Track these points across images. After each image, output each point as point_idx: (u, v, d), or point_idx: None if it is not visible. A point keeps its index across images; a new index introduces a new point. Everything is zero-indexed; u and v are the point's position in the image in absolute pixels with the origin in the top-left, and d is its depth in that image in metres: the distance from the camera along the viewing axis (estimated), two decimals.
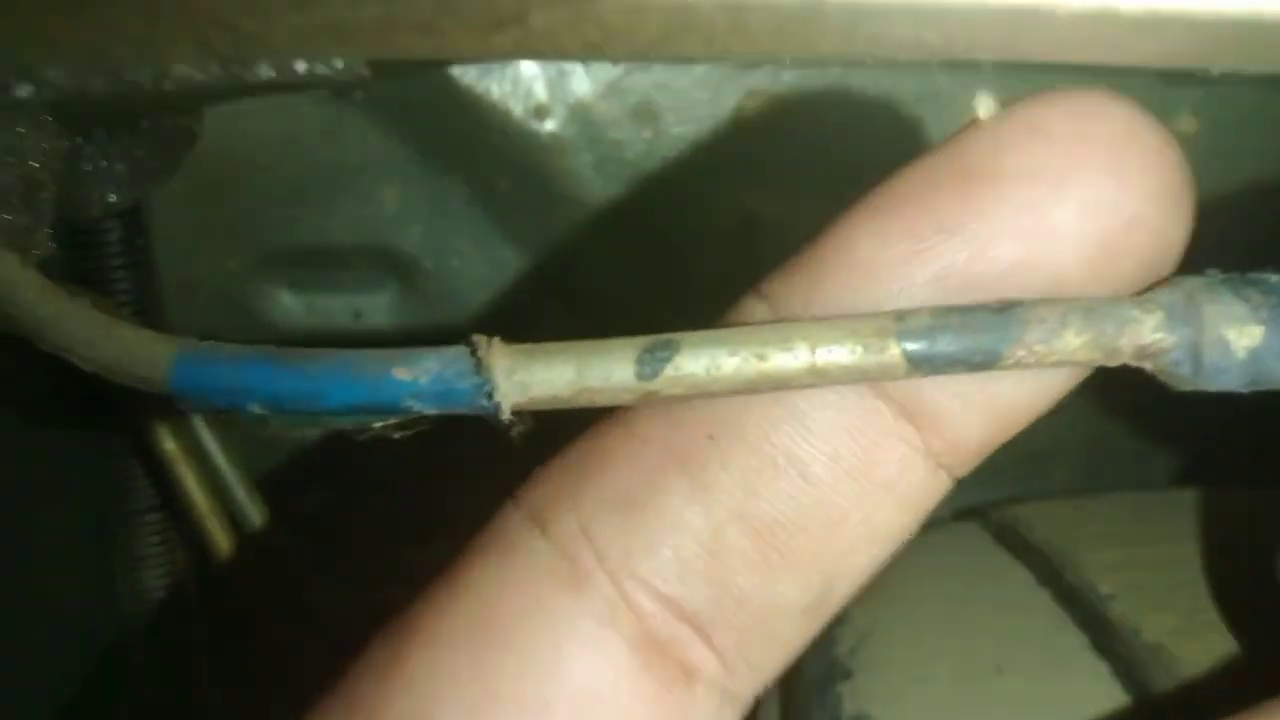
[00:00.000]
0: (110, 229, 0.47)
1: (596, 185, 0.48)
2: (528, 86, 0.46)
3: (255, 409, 0.18)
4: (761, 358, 0.16)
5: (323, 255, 0.51)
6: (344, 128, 0.48)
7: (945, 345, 0.16)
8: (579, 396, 0.17)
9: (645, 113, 0.48)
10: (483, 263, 0.52)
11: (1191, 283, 0.17)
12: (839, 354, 0.16)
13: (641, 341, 0.17)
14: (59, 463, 0.41)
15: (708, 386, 0.16)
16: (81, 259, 0.46)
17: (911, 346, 0.16)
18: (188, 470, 0.44)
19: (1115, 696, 0.42)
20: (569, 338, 0.18)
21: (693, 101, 0.47)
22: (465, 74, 0.46)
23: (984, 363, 0.16)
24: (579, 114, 0.47)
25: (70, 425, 0.42)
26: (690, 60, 0.41)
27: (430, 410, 0.17)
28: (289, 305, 0.52)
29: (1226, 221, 0.48)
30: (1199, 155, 0.48)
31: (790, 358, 0.16)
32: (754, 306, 0.19)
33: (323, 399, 0.17)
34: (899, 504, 0.20)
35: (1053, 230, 0.17)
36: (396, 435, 0.18)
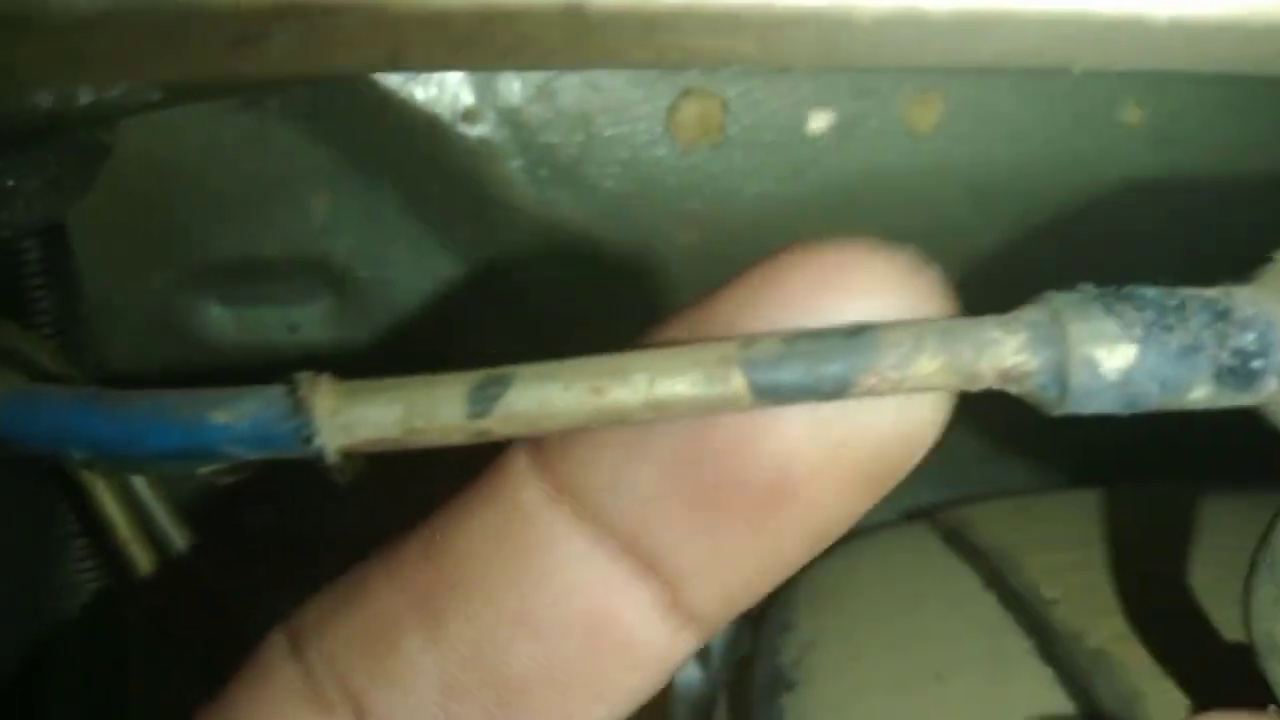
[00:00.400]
0: (28, 248, 0.45)
1: (530, 190, 0.48)
2: (454, 91, 0.45)
3: (76, 454, 0.17)
4: (597, 391, 0.15)
5: (252, 267, 0.50)
6: (267, 136, 0.47)
7: (793, 374, 0.15)
8: (409, 437, 0.15)
9: (577, 116, 0.47)
10: (419, 271, 0.51)
11: (1060, 299, 0.15)
12: (680, 386, 0.15)
13: (472, 377, 0.15)
14: None
15: (541, 423, 0.15)
16: (1, 279, 0.44)
17: (757, 376, 0.15)
18: (107, 496, 0.43)
19: (1058, 703, 0.41)
20: (510, 344, 0.17)
21: (626, 102, 0.46)
22: (388, 78, 0.45)
23: (835, 392, 0.15)
24: (509, 118, 0.46)
25: None
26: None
27: (250, 456, 0.16)
28: (221, 320, 0.51)
29: (1166, 213, 0.47)
30: (1143, 146, 0.48)
31: (628, 391, 0.15)
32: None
33: (137, 444, 0.16)
34: (635, 664, 0.19)
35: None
36: (223, 482, 0.17)
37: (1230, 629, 0.33)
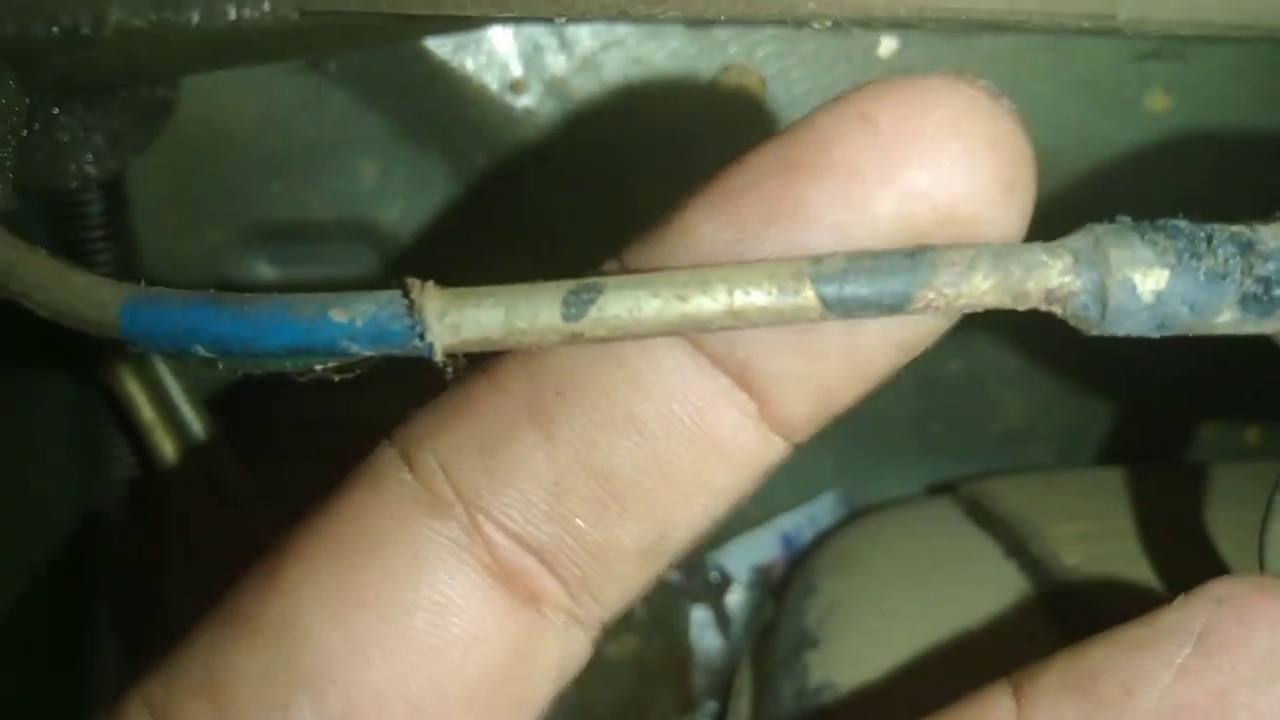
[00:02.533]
0: (91, 200, 0.47)
1: (573, 160, 0.49)
2: (503, 61, 0.47)
3: (200, 351, 0.19)
4: (682, 299, 0.17)
5: (301, 229, 0.51)
6: (321, 102, 0.48)
7: (858, 288, 0.17)
8: (509, 338, 0.17)
9: (621, 88, 0.48)
10: (462, 237, 0.53)
11: (1101, 229, 0.17)
12: (756, 296, 0.17)
13: (568, 284, 0.17)
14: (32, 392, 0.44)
15: (631, 328, 0.17)
16: (63, 230, 0.46)
17: (826, 289, 0.17)
18: (142, 398, 0.46)
19: None
20: None
21: (668, 75, 0.48)
22: (441, 47, 0.46)
23: (895, 305, 0.17)
24: (555, 89, 0.47)
25: (38, 365, 0.45)
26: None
27: (366, 352, 0.18)
28: (268, 278, 0.53)
29: (1192, 199, 0.49)
30: (1171, 132, 0.49)
31: (709, 300, 0.17)
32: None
33: (262, 340, 0.18)
34: (731, 465, 0.21)
35: (867, 223, 0.18)
36: (336, 378, 0.19)
37: None
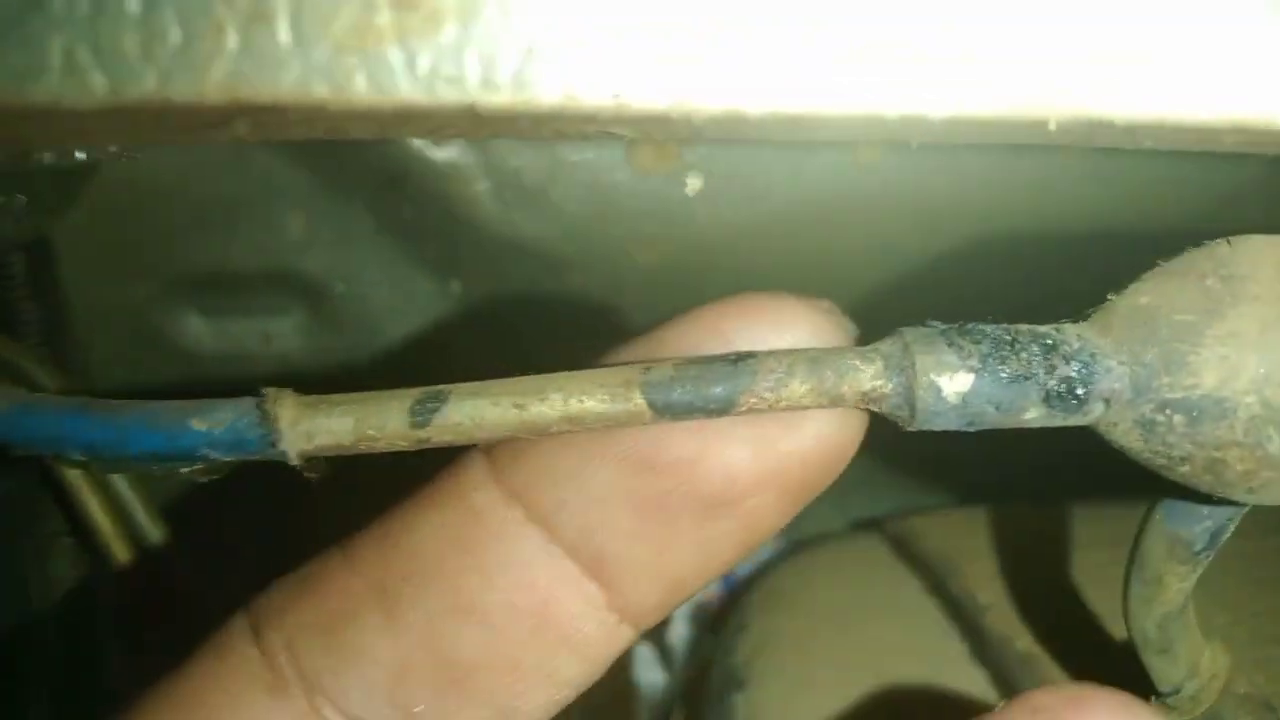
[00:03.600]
0: (14, 260, 0.47)
1: (496, 211, 0.49)
2: None
3: (73, 455, 0.20)
4: (521, 407, 0.18)
5: (229, 281, 0.51)
6: (245, 158, 0.49)
7: (684, 394, 0.18)
8: (360, 443, 0.18)
9: (542, 142, 0.49)
10: (390, 286, 0.53)
11: (911, 333, 0.18)
12: (590, 403, 0.18)
13: (414, 393, 0.18)
14: None
15: (473, 433, 0.18)
16: None
17: (654, 396, 0.18)
18: (90, 496, 0.45)
19: (991, 702, 0.43)
20: (480, 358, 0.20)
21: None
22: None
23: (720, 409, 0.18)
24: (475, 143, 0.48)
25: None
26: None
27: (225, 458, 0.19)
28: (199, 330, 0.53)
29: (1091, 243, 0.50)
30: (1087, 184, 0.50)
31: (546, 407, 0.18)
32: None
33: (127, 446, 0.19)
34: (577, 655, 0.21)
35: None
36: (203, 479, 0.19)
37: None
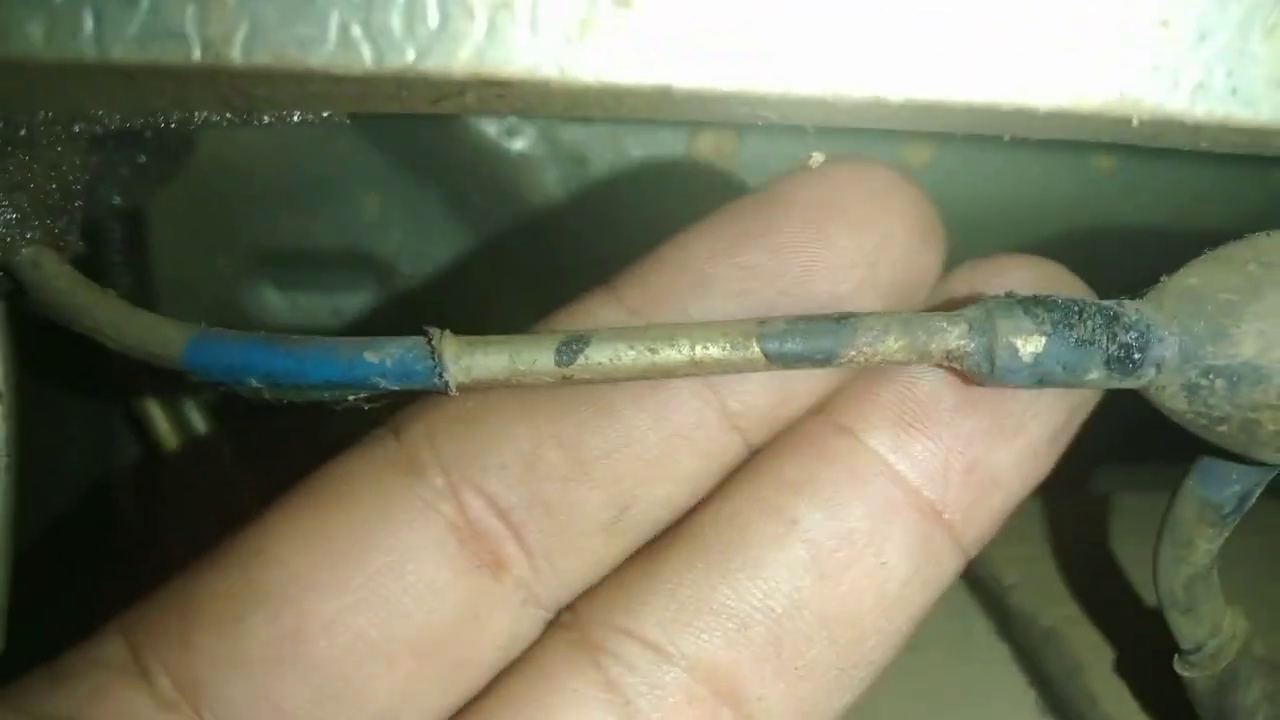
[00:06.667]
0: (113, 228, 0.50)
1: (562, 200, 0.52)
2: None
3: (253, 383, 0.23)
4: (654, 351, 0.21)
5: (306, 257, 0.54)
6: (330, 141, 0.51)
7: (794, 346, 0.21)
8: (511, 379, 0.21)
9: (609, 134, 0.51)
10: (456, 269, 0.56)
11: (993, 301, 0.21)
12: (713, 350, 0.21)
13: (560, 336, 0.21)
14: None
15: (611, 373, 0.21)
16: (85, 255, 0.49)
17: (769, 345, 0.21)
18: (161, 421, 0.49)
19: (1013, 676, 0.46)
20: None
21: (652, 126, 0.51)
22: None
23: (825, 360, 0.21)
24: (547, 134, 0.51)
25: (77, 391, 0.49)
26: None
27: (394, 387, 0.21)
28: (274, 303, 0.55)
29: (1137, 254, 0.52)
30: (1114, 191, 0.52)
31: (675, 352, 0.21)
32: (601, 296, 0.24)
33: (307, 375, 0.22)
34: (694, 451, 0.23)
35: (818, 264, 0.22)
36: (366, 407, 0.22)
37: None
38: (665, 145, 0.51)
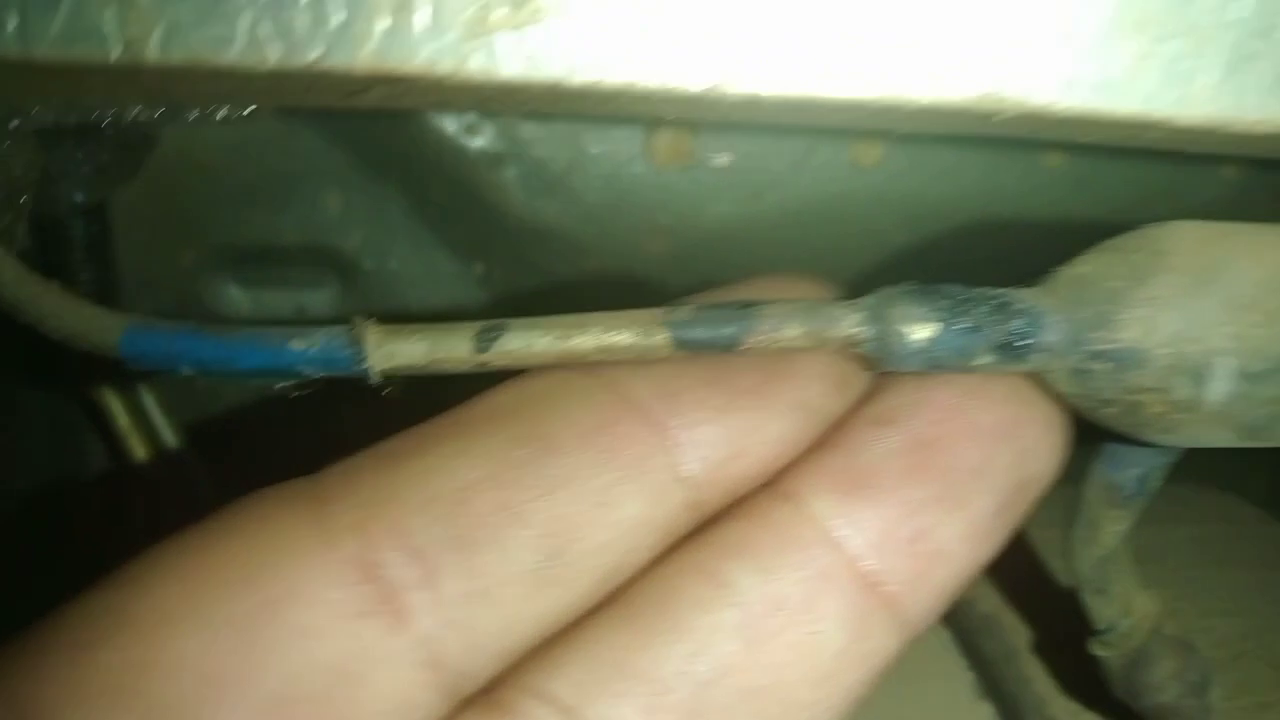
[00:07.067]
0: (74, 225, 0.51)
1: (521, 197, 0.53)
2: None
3: (185, 370, 0.24)
4: (565, 339, 0.22)
5: (269, 254, 0.54)
6: (291, 137, 0.52)
7: (699, 332, 0.22)
8: (432, 365, 0.22)
9: (566, 133, 0.52)
10: (418, 265, 0.56)
11: (889, 291, 0.22)
12: (621, 337, 0.22)
13: (479, 324, 0.22)
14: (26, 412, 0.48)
15: (525, 359, 0.22)
16: (48, 252, 0.50)
17: (675, 333, 0.22)
18: (129, 425, 0.50)
19: (953, 659, 0.47)
20: None
21: (609, 124, 0.52)
22: None
23: (729, 346, 0.22)
24: (507, 132, 0.51)
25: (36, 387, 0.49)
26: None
27: (318, 374, 0.22)
28: (236, 299, 0.56)
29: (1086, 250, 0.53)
30: (1063, 188, 0.54)
31: (586, 339, 0.22)
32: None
33: (236, 363, 0.23)
34: (638, 492, 0.22)
35: None
36: (294, 394, 0.23)
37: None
38: (622, 143, 0.52)
